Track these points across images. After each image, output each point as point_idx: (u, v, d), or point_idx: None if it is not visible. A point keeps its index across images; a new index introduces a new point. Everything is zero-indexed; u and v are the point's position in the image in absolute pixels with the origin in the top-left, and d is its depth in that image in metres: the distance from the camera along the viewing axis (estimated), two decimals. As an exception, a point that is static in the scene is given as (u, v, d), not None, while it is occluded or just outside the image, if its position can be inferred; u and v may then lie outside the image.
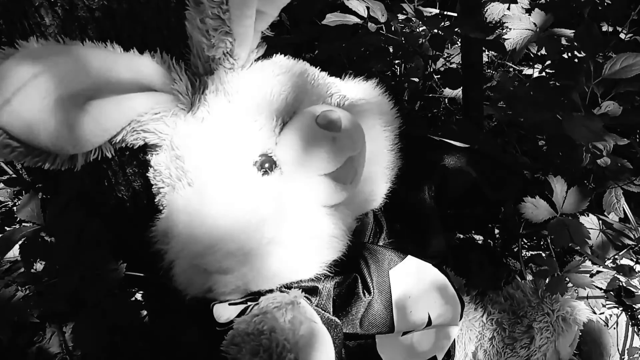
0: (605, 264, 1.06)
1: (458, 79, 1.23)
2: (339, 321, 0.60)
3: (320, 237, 0.60)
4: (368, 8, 1.20)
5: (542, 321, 0.85)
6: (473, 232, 1.18)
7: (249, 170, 0.60)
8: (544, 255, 1.08)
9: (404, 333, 0.68)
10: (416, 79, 1.46)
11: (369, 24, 1.21)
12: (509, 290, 0.90)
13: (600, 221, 1.03)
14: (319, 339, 0.52)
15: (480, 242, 1.16)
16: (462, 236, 1.16)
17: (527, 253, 1.16)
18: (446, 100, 1.67)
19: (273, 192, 0.59)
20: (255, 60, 0.74)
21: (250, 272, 0.57)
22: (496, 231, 1.18)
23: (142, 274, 0.93)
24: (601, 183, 1.04)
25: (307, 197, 0.60)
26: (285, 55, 0.77)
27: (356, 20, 1.23)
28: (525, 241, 1.17)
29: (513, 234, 1.16)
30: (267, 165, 0.61)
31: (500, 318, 0.85)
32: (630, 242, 1.04)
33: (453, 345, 0.75)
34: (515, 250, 1.14)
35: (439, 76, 1.48)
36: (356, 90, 0.76)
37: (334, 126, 0.60)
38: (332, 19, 1.22)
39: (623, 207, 0.99)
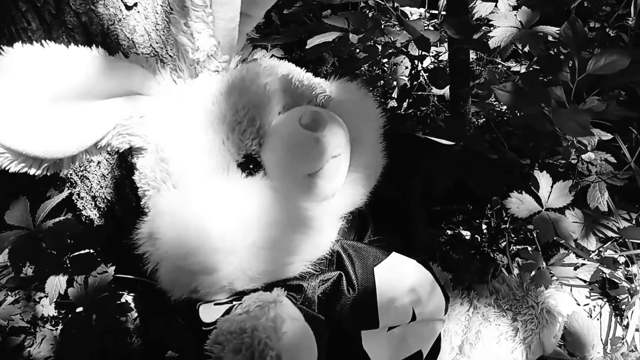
0: (590, 256, 1.08)
1: (445, 78, 1.24)
2: (323, 318, 0.61)
3: (304, 236, 0.61)
4: (347, 19, 1.22)
5: (527, 314, 0.87)
6: (461, 228, 1.19)
7: (233, 171, 0.61)
8: (530, 249, 1.09)
9: (390, 328, 0.69)
10: (405, 78, 1.47)
11: (351, 35, 1.23)
12: (494, 285, 0.92)
13: (585, 215, 1.05)
14: (301, 336, 0.53)
15: (468, 237, 1.18)
16: (450, 232, 1.18)
17: (514, 247, 1.17)
18: (435, 98, 1.69)
19: (257, 192, 0.60)
20: (241, 62, 0.75)
21: (235, 272, 0.58)
22: (484, 227, 1.20)
23: (132, 276, 0.94)
24: (585, 177, 1.05)
25: (292, 197, 0.61)
26: (270, 57, 0.77)
27: (337, 34, 1.26)
28: (513, 236, 1.19)
29: (500, 229, 1.18)
30: (251, 166, 0.62)
31: (486, 312, 0.87)
32: (614, 235, 1.06)
33: (439, 339, 0.77)
34: (502, 245, 1.15)
35: (427, 74, 1.50)
36: (341, 90, 0.77)
37: (318, 126, 0.61)
38: (314, 42, 1.26)
39: (607, 201, 1.01)
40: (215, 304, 0.59)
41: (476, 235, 1.17)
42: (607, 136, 0.97)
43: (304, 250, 0.62)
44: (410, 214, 0.79)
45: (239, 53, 0.77)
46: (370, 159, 0.73)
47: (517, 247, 1.16)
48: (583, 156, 1.00)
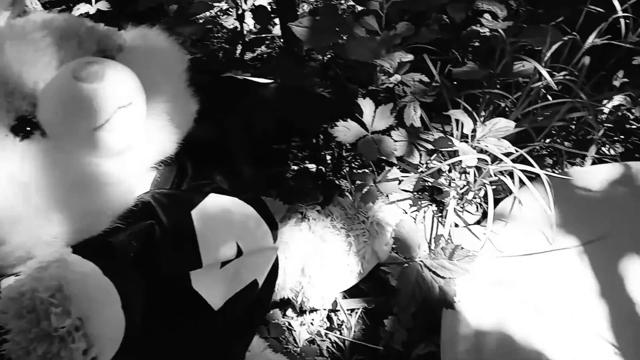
0: (419, 170, 1.21)
1: (266, 16, 1.25)
2: (134, 269, 0.62)
3: (100, 192, 0.60)
4: None
5: (358, 229, 0.96)
6: (307, 162, 1.25)
7: (4, 136, 0.57)
8: (367, 171, 1.19)
9: (223, 264, 0.72)
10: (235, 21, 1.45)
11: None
12: (330, 208, 0.99)
13: (408, 133, 1.16)
14: (94, 288, 0.53)
15: (313, 170, 1.24)
16: (296, 167, 1.23)
17: (357, 172, 1.27)
18: (281, 39, 1.70)
19: (34, 155, 0.57)
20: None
21: (30, 240, 0.56)
22: (328, 158, 1.27)
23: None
24: (402, 98, 1.15)
25: (77, 154, 0.59)
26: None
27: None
28: (354, 161, 1.28)
29: (341, 158, 1.26)
30: (27, 128, 0.58)
31: (323, 234, 0.94)
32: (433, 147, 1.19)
33: (275, 266, 0.82)
34: (344, 172, 1.24)
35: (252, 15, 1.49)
36: (136, 38, 0.74)
37: (94, 77, 0.58)
38: None
39: (420, 117, 1.12)
40: (16, 276, 0.56)
41: (320, 167, 1.24)
42: (408, 57, 1.06)
43: (103, 206, 0.61)
44: (232, 153, 0.81)
45: (7, 9, 0.69)
46: (175, 105, 0.72)
47: (359, 171, 1.26)
48: (391, 79, 1.09)
